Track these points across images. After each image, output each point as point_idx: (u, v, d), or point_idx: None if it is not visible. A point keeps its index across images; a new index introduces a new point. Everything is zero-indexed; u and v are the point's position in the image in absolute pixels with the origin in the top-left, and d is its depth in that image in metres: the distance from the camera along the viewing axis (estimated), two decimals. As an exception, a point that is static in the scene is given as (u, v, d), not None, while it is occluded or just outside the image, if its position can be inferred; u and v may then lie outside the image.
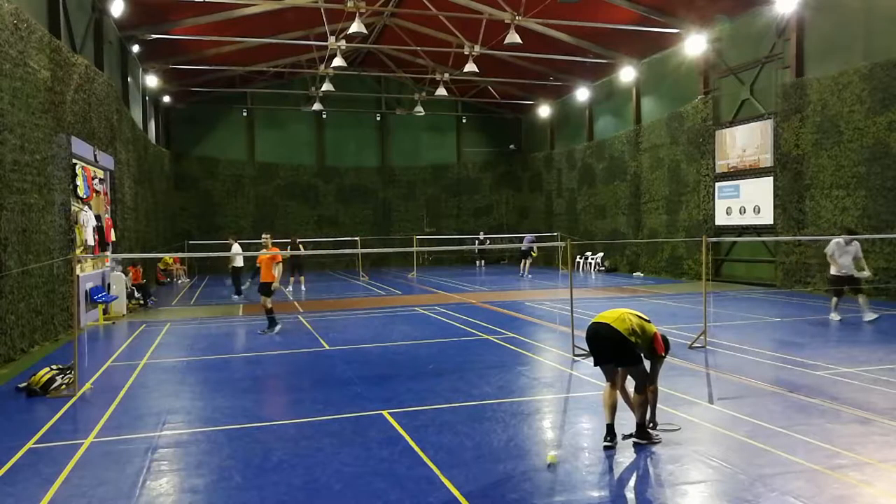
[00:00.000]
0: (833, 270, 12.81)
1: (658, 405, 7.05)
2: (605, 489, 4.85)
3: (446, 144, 37.31)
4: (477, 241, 33.15)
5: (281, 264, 13.04)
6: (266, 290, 12.61)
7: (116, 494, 4.91)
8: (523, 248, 27.01)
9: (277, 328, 12.61)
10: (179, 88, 29.07)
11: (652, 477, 5.08)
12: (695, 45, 21.52)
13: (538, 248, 30.03)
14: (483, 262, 34.22)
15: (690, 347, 10.13)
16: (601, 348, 5.82)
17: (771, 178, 19.56)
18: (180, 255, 23.83)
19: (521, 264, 26.41)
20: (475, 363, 9.51)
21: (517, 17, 20.13)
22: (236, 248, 19.06)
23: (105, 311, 15.02)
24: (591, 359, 6.06)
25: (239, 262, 19.78)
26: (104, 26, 18.19)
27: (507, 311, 15.44)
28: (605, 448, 5.63)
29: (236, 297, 19.36)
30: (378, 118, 35.53)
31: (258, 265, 14.13)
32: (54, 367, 8.42)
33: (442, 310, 15.71)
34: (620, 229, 27.26)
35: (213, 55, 26.50)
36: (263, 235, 13.52)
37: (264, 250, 13.06)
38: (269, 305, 12.64)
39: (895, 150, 15.67)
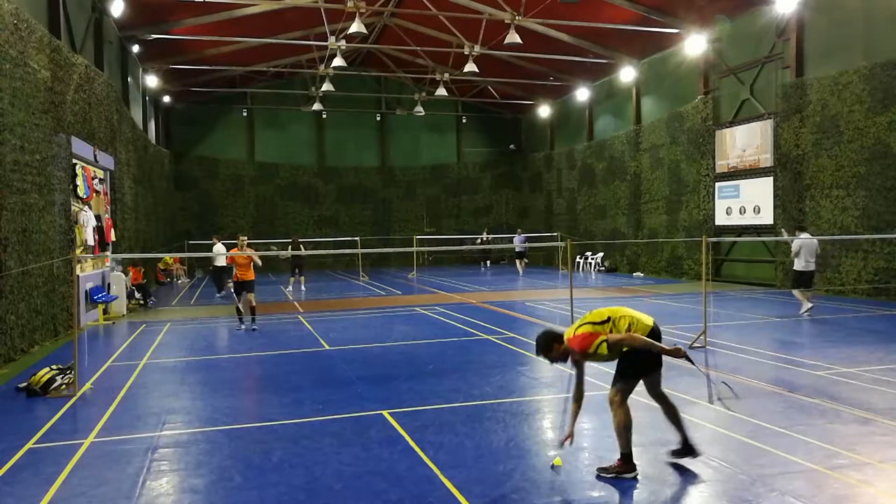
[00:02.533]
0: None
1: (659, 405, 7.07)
2: (605, 489, 4.85)
3: (446, 144, 37.31)
4: (480, 241, 33.14)
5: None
6: (251, 287, 13.24)
7: (116, 494, 4.91)
8: (517, 250, 27.12)
9: (243, 327, 13.10)
10: (179, 88, 29.07)
11: (652, 477, 5.07)
12: (695, 45, 21.51)
13: (530, 248, 30.02)
14: (488, 262, 34.27)
15: (690, 347, 10.12)
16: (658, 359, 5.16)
17: (771, 178, 19.56)
18: (180, 255, 23.87)
19: (518, 264, 26.63)
20: (475, 363, 9.51)
21: (517, 17, 20.13)
22: (219, 247, 19.61)
23: (105, 311, 15.02)
24: (636, 373, 5.16)
25: (221, 262, 20.12)
26: (104, 26, 18.19)
27: (507, 311, 15.43)
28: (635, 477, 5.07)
29: (219, 295, 19.82)
30: (378, 118, 35.53)
31: (230, 263, 14.52)
32: (54, 367, 8.42)
33: (442, 310, 15.71)
34: (620, 229, 27.26)
35: (213, 55, 26.50)
36: (241, 237, 13.89)
37: (236, 250, 13.55)
38: (255, 303, 13.28)
39: (895, 150, 15.66)
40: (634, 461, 5.07)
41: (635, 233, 26.07)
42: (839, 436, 5.88)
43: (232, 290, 14.19)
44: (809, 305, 13.24)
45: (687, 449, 5.29)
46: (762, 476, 4.98)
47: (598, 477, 5.05)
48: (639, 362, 5.08)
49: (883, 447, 5.59)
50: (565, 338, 5.17)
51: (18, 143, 10.77)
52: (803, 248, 13.26)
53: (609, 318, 5.08)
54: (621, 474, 5.02)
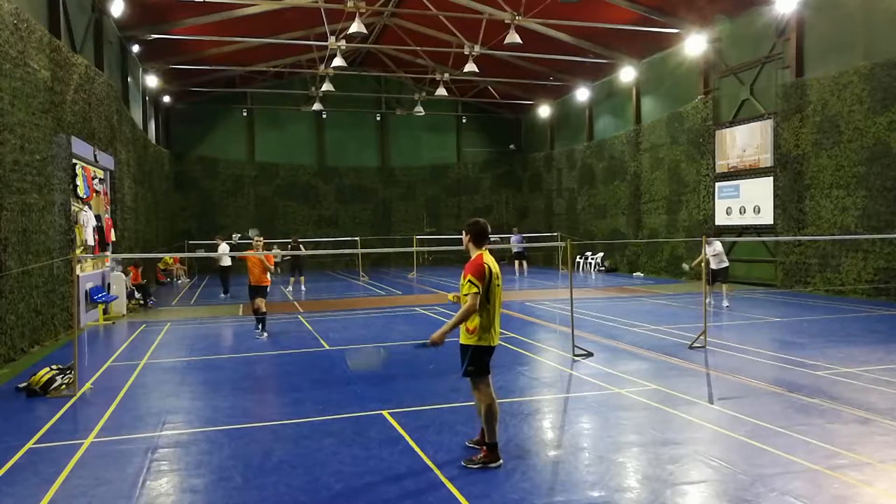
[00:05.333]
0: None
1: (659, 405, 7.07)
2: (604, 489, 4.85)
3: (446, 144, 37.32)
4: None
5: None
6: (264, 292, 12.47)
7: (116, 494, 4.91)
8: (515, 250, 26.93)
9: (263, 333, 12.21)
10: (179, 88, 29.08)
11: (652, 477, 5.07)
12: (695, 45, 21.51)
13: (529, 249, 29.91)
14: None
15: (690, 347, 10.13)
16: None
17: (771, 178, 19.55)
18: (180, 255, 23.87)
19: (517, 265, 26.49)
20: (475, 363, 9.48)
21: (517, 17, 20.13)
22: (224, 247, 19.65)
23: (105, 311, 15.02)
24: (486, 369, 5.68)
25: (226, 262, 20.09)
26: (104, 26, 18.19)
27: (507, 311, 15.41)
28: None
29: (223, 295, 19.78)
30: (378, 118, 35.54)
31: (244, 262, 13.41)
32: (54, 367, 8.42)
33: (442, 310, 15.70)
34: (620, 229, 27.26)
35: (213, 55, 26.50)
36: (256, 238, 13.08)
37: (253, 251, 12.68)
38: (264, 308, 12.47)
39: (895, 150, 15.67)
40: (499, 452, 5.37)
41: (635, 233, 26.07)
42: (839, 436, 5.88)
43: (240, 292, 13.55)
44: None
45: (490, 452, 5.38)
46: (762, 476, 4.98)
47: (464, 468, 5.26)
48: (481, 361, 5.56)
49: (883, 447, 5.59)
50: (480, 251, 5.41)
51: (18, 143, 10.77)
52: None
53: (491, 282, 5.30)
54: (487, 464, 5.27)
